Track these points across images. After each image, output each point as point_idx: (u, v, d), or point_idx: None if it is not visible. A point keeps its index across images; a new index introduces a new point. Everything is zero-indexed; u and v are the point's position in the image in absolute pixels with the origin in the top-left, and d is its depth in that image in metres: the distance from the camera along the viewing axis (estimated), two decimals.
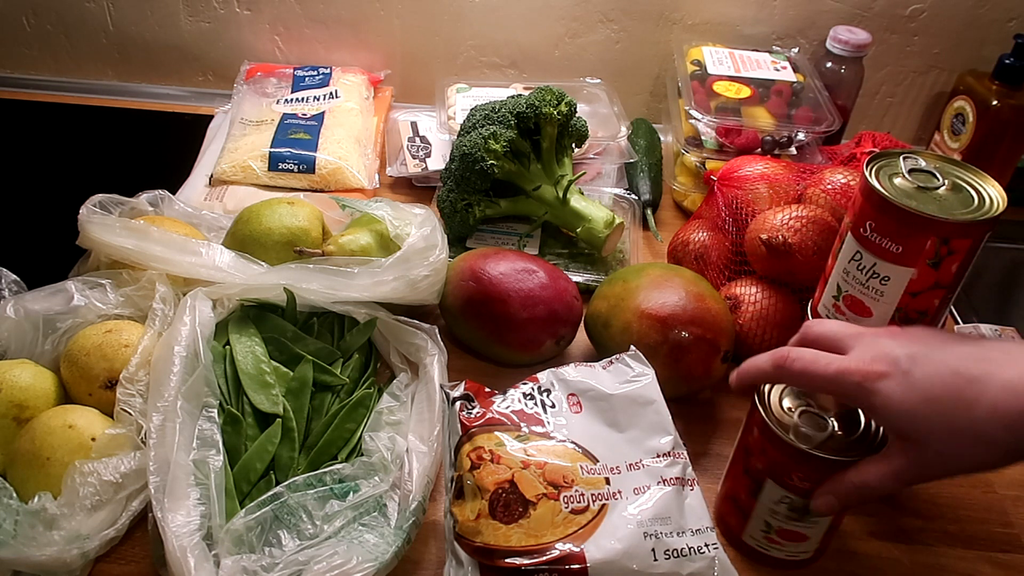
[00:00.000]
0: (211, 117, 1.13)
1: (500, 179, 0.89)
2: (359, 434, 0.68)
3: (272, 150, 0.99)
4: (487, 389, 0.63)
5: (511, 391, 0.63)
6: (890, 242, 0.56)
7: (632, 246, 0.94)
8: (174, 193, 0.89)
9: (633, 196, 1.00)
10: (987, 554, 0.66)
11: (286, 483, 0.61)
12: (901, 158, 0.60)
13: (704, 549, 0.55)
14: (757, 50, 1.10)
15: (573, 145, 0.95)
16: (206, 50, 1.19)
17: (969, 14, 1.09)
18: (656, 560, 0.53)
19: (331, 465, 0.64)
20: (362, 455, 0.65)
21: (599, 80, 1.13)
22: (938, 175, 0.58)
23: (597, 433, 0.60)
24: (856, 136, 0.96)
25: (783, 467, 0.57)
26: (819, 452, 0.55)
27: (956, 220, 0.55)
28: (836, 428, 0.57)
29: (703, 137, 1.01)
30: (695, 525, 0.56)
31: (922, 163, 0.60)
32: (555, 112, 0.88)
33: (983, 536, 0.68)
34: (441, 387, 0.65)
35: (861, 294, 0.59)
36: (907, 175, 0.58)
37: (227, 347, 0.71)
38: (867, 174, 0.58)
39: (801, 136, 1.00)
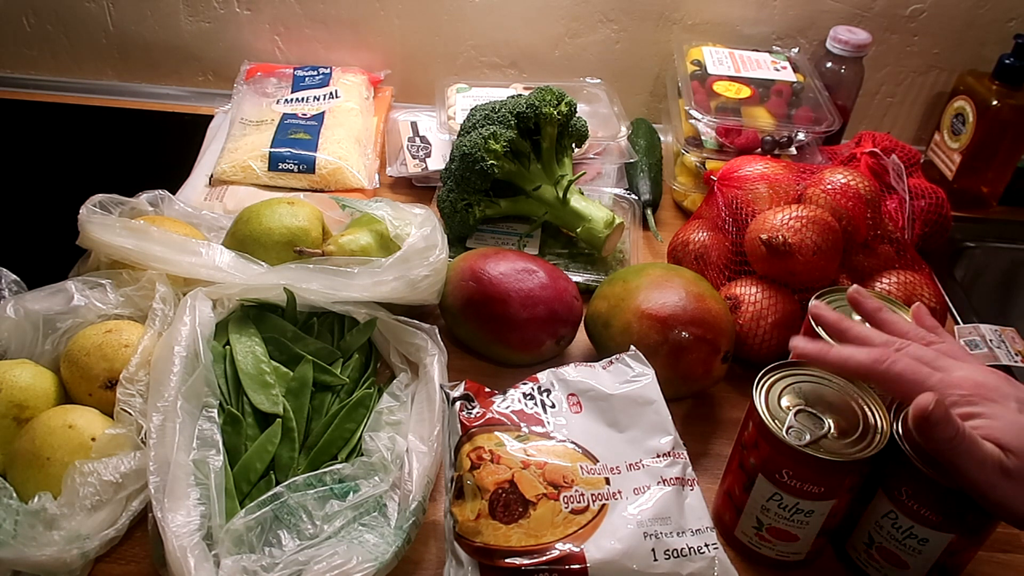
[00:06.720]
0: (211, 117, 1.13)
1: (500, 179, 0.89)
2: (359, 434, 0.68)
3: (272, 150, 0.99)
4: (487, 389, 0.63)
5: (511, 391, 0.63)
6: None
7: (632, 246, 0.94)
8: (174, 193, 0.89)
9: (633, 196, 1.00)
10: (987, 554, 0.66)
11: (286, 483, 0.61)
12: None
13: (704, 549, 0.55)
14: (757, 50, 1.10)
15: (573, 145, 0.95)
16: (206, 50, 1.19)
17: (969, 14, 1.09)
18: (656, 560, 0.53)
19: (331, 465, 0.64)
20: (362, 455, 0.65)
21: (599, 80, 1.13)
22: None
23: (597, 433, 0.60)
24: (856, 136, 0.96)
25: (774, 463, 0.57)
26: (809, 450, 0.55)
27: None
28: (831, 429, 0.57)
29: (703, 137, 1.01)
30: (695, 525, 0.56)
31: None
32: (555, 112, 0.88)
33: None
34: (441, 387, 0.65)
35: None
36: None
37: (227, 347, 0.71)
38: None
39: (801, 136, 1.00)
